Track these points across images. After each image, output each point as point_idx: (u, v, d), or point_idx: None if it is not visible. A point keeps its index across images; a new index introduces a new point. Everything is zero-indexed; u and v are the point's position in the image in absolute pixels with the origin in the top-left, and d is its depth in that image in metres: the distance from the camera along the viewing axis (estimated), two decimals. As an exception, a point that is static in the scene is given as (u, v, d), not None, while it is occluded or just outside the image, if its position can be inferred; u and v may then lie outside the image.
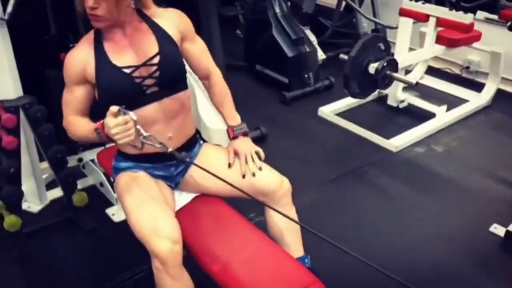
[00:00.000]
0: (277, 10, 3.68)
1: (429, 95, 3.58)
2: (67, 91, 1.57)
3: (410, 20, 3.26)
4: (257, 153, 1.72)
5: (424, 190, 2.63)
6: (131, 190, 1.58)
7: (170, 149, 1.44)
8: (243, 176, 1.66)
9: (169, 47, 1.56)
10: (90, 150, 2.48)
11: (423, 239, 2.25)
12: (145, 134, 1.41)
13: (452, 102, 3.49)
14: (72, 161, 2.47)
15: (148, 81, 1.53)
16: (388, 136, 3.05)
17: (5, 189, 2.05)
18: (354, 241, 2.15)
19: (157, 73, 1.53)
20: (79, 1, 1.47)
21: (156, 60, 1.53)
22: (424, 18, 3.20)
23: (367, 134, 3.13)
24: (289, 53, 3.60)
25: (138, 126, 1.39)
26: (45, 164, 2.32)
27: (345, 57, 2.95)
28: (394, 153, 2.97)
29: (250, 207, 2.22)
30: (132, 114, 1.37)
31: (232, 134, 1.74)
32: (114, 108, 1.36)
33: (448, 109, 3.34)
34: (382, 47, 2.99)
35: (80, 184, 2.47)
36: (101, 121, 1.40)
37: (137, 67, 1.51)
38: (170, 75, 1.56)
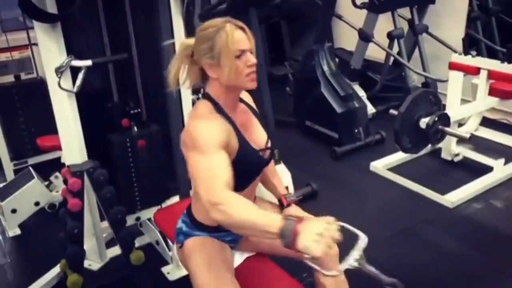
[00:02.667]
0: (325, 68, 3.78)
1: (485, 147, 3.49)
2: (207, 157, 1.32)
3: (461, 74, 3.23)
4: None
5: (484, 249, 2.52)
6: (197, 254, 1.59)
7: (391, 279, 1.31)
8: None
9: (267, 131, 1.65)
10: (147, 210, 2.58)
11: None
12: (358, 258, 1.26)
13: (510, 154, 3.38)
14: (130, 220, 2.57)
15: (265, 163, 1.63)
16: (443, 192, 2.97)
17: (69, 248, 2.17)
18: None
19: (269, 157, 1.64)
20: (238, 66, 1.41)
21: (269, 144, 1.63)
22: (475, 71, 3.18)
23: (421, 189, 3.06)
24: (338, 109, 3.65)
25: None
26: (105, 223, 2.44)
27: (395, 112, 2.96)
28: (450, 209, 2.88)
29: (302, 268, 2.20)
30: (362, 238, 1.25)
31: (286, 202, 1.76)
32: (332, 220, 1.18)
33: (506, 162, 3.23)
34: (433, 101, 2.99)
35: (137, 242, 2.56)
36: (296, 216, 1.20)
37: (264, 151, 1.59)
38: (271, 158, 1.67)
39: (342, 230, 1.16)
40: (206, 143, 1.34)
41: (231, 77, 1.42)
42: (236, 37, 1.41)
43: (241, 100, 1.62)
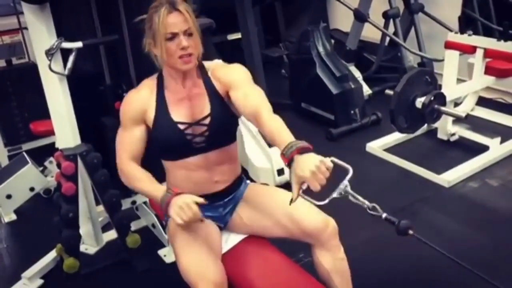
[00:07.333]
0: (321, 49, 3.74)
1: (482, 127, 3.47)
2: (123, 131, 1.61)
3: (457, 53, 3.21)
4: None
5: (480, 228, 2.53)
6: (180, 234, 1.61)
7: (384, 215, 1.44)
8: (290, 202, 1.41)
9: (219, 108, 1.60)
10: (142, 193, 2.57)
11: (483, 280, 2.15)
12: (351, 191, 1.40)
13: (506, 133, 3.37)
14: (126, 204, 2.56)
15: (198, 139, 1.59)
16: (439, 171, 2.97)
17: (65, 233, 2.16)
18: (406, 283, 2.08)
19: (207, 133, 1.59)
20: (169, 48, 1.47)
21: (207, 121, 1.59)
22: (471, 50, 3.15)
23: (417, 169, 3.06)
24: (334, 90, 3.62)
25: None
26: (100, 208, 2.42)
27: (391, 92, 2.94)
28: (447, 188, 2.88)
29: (299, 248, 2.19)
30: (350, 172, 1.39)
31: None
32: (199, 201, 1.48)
33: (502, 141, 3.22)
34: (429, 80, 2.97)
35: (133, 226, 2.55)
36: (179, 191, 1.49)
37: (190, 125, 1.58)
38: (219, 135, 1.63)
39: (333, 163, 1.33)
40: (124, 118, 1.60)
41: (164, 58, 1.52)
42: (168, 21, 1.45)
43: (204, 74, 1.61)
